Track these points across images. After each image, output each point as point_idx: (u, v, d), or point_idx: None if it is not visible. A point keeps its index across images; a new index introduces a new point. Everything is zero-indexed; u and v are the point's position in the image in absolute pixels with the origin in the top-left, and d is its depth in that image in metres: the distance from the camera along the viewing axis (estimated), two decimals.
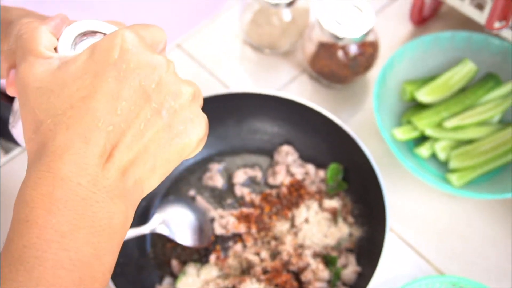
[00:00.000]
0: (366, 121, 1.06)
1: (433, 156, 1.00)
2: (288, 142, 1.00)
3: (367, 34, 0.99)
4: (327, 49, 1.03)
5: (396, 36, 1.16)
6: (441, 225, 0.96)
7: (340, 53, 1.02)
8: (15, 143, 0.88)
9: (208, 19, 1.20)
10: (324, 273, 0.85)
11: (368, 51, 1.03)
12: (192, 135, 0.48)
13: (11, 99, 1.58)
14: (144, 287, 0.87)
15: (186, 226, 0.89)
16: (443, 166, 1.00)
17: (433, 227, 0.95)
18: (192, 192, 0.96)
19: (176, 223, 0.88)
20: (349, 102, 1.09)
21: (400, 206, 0.96)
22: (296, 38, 1.11)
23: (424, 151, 0.99)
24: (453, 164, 0.97)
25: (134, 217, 0.93)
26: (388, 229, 0.83)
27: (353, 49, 1.02)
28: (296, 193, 0.94)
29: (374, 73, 1.10)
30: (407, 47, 1.01)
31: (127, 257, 0.88)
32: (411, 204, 0.98)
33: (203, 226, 0.91)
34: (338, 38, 0.99)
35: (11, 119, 0.67)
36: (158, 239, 0.92)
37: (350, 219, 0.92)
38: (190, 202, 0.94)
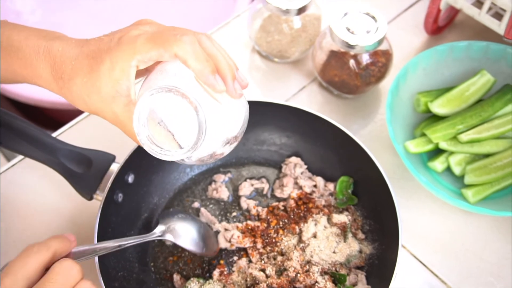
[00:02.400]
0: (377, 133, 1.02)
1: (448, 170, 0.96)
2: (296, 154, 0.96)
3: (380, 42, 0.96)
4: (338, 58, 1.00)
5: (409, 46, 1.12)
6: (456, 242, 0.91)
7: (351, 62, 0.98)
8: (16, 151, 0.86)
9: (215, 27, 1.17)
10: None
11: (380, 61, 1.00)
12: None
13: (13, 106, 1.56)
14: None
15: (190, 235, 0.85)
16: (458, 181, 0.96)
17: (447, 244, 0.91)
18: (196, 204, 0.93)
19: (180, 232, 0.84)
20: (360, 113, 1.05)
21: (413, 222, 0.92)
22: (306, 47, 1.07)
23: (438, 164, 0.95)
24: (468, 179, 0.93)
25: (136, 228, 0.89)
26: (400, 247, 0.79)
27: (365, 59, 0.98)
28: (304, 207, 0.90)
29: (386, 84, 1.07)
30: (421, 57, 0.98)
31: (127, 271, 0.85)
32: (424, 220, 0.93)
33: (206, 236, 0.87)
34: (350, 46, 0.95)
35: None
36: (160, 253, 0.89)
37: (360, 235, 0.88)
38: (191, 214, 0.90)
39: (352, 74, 0.99)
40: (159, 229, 0.83)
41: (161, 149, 0.61)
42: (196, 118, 0.57)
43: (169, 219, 0.86)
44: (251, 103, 0.92)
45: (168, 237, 0.83)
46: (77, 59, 0.62)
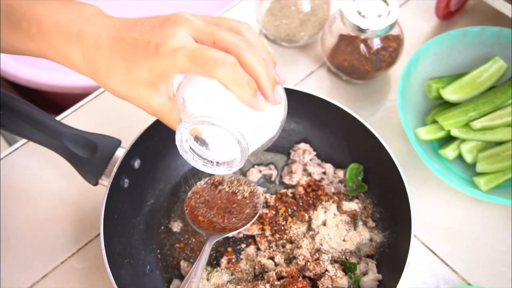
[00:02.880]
0: (386, 120, 1.00)
1: (459, 158, 0.95)
2: (305, 140, 0.94)
3: (391, 27, 0.93)
4: (348, 42, 0.97)
5: (419, 31, 1.10)
6: (467, 231, 0.90)
7: (362, 47, 0.96)
8: (19, 134, 0.84)
9: (222, 10, 1.14)
10: (343, 281, 0.80)
11: (391, 46, 0.97)
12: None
13: (13, 89, 1.53)
14: None
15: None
16: (470, 169, 0.94)
17: (458, 233, 0.90)
18: None
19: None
20: (369, 99, 1.03)
21: (423, 210, 0.91)
22: (315, 31, 1.05)
23: (449, 152, 0.93)
24: (480, 167, 0.91)
25: (142, 215, 0.87)
26: (413, 236, 0.78)
27: (376, 43, 0.96)
28: (313, 194, 0.89)
29: (396, 70, 1.05)
30: (433, 42, 0.95)
31: (133, 258, 0.83)
32: (435, 208, 0.92)
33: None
34: (361, 30, 0.93)
35: None
36: (166, 240, 0.87)
37: (371, 223, 0.87)
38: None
39: (362, 59, 0.97)
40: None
41: (203, 162, 0.64)
42: (238, 147, 0.59)
43: None
44: None
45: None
46: (111, 58, 0.61)
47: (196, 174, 0.93)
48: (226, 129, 0.58)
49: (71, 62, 0.64)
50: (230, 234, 0.80)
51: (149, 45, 0.59)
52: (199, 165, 0.64)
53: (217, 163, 0.64)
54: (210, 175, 0.85)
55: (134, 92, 0.62)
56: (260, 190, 0.86)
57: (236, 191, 0.83)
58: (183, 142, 0.62)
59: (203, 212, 0.81)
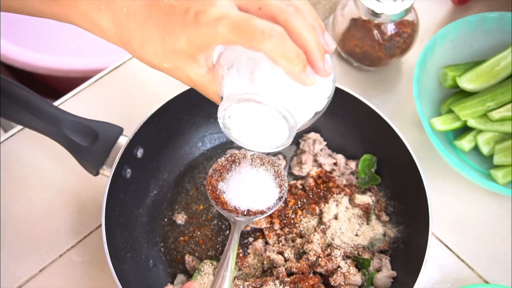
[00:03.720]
0: (399, 109, 0.96)
1: (475, 150, 0.91)
2: (315, 129, 0.90)
3: (407, 12, 0.89)
4: (360, 27, 0.93)
5: (434, 17, 1.06)
6: (484, 226, 0.86)
7: (375, 32, 0.92)
8: (15, 120, 0.79)
9: None
10: (356, 277, 0.76)
11: (406, 32, 0.93)
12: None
13: (9, 72, 1.49)
14: (154, 285, 0.78)
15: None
16: (486, 161, 0.90)
17: (475, 228, 0.86)
18: None
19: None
20: (381, 87, 0.99)
21: (438, 204, 0.87)
22: (326, 15, 1.01)
23: (465, 143, 0.89)
24: (498, 159, 0.88)
25: (145, 206, 0.83)
26: (431, 231, 0.74)
27: (390, 29, 0.92)
28: (324, 186, 0.85)
29: (408, 57, 1.00)
30: (450, 28, 0.91)
31: (136, 252, 0.79)
32: (450, 202, 0.88)
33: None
34: (375, 15, 0.88)
35: None
36: (170, 233, 0.83)
37: (384, 217, 0.83)
38: None
39: (375, 45, 0.93)
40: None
41: (247, 139, 0.60)
42: (286, 125, 0.55)
43: None
44: None
45: None
46: (145, 27, 0.55)
47: (201, 164, 0.89)
48: (274, 108, 0.54)
49: (101, 31, 0.58)
50: (256, 219, 0.75)
51: (188, 13, 0.53)
52: (242, 142, 0.60)
53: (262, 140, 0.59)
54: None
55: (170, 63, 0.57)
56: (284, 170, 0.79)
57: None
58: (226, 119, 0.58)
59: None
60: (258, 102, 0.54)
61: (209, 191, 0.74)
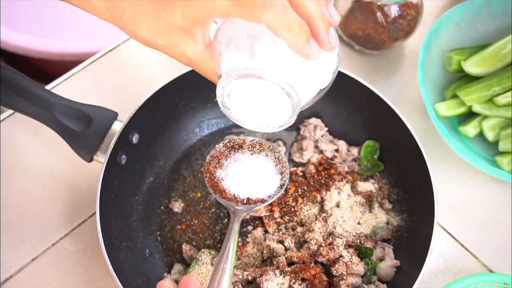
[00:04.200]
0: (402, 94, 0.94)
1: (479, 136, 0.89)
2: (316, 114, 0.88)
3: None
4: (363, 9, 0.90)
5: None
6: (488, 214, 0.84)
7: (378, 15, 0.89)
8: (5, 104, 0.76)
9: None
10: (359, 267, 0.74)
11: (410, 14, 0.90)
12: None
13: (4, 57, 1.45)
14: (150, 275, 0.76)
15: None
16: (491, 148, 0.88)
17: (479, 216, 0.84)
18: None
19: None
20: (383, 71, 0.96)
21: (441, 191, 0.84)
22: None
23: (470, 129, 0.87)
24: (503, 145, 0.85)
25: (141, 193, 0.81)
26: (436, 219, 0.72)
27: (394, 11, 0.89)
28: (325, 173, 0.82)
29: (411, 41, 0.98)
30: (454, 11, 0.88)
31: (131, 241, 0.77)
32: (454, 189, 0.86)
33: None
34: None
35: None
36: (167, 221, 0.81)
37: (387, 205, 0.81)
38: None
39: (378, 27, 0.90)
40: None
41: (247, 119, 0.57)
42: (289, 102, 0.53)
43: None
44: None
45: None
46: (137, 1, 0.53)
47: (199, 150, 0.86)
48: (276, 83, 0.51)
49: (91, 6, 0.56)
50: (256, 208, 0.71)
51: None
52: (243, 123, 0.57)
53: (264, 120, 0.56)
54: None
55: (165, 39, 0.54)
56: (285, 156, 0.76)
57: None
58: (225, 97, 0.55)
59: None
60: (259, 77, 0.51)
61: (206, 178, 0.71)
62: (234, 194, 0.70)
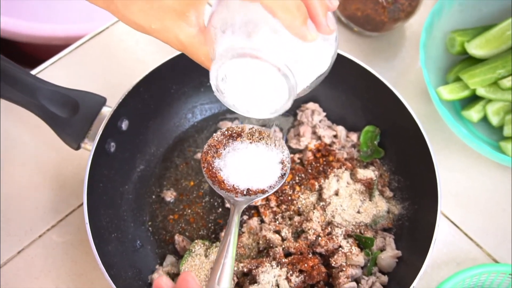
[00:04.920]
0: (403, 77, 0.91)
1: (483, 120, 0.86)
2: (314, 99, 0.84)
3: None
4: None
5: None
6: (492, 202, 0.81)
7: None
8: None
9: None
10: (359, 258, 0.71)
11: None
12: None
13: (8, 52, 1.40)
14: (141, 268, 0.73)
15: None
16: (495, 133, 0.85)
17: (483, 203, 0.81)
18: (199, 155, 0.81)
19: None
20: (383, 54, 0.93)
21: (444, 178, 0.81)
22: None
23: (474, 114, 0.84)
24: (508, 130, 0.82)
25: (131, 182, 0.78)
26: (440, 208, 0.69)
27: None
28: (323, 160, 0.79)
29: (412, 22, 0.94)
30: None
31: (121, 232, 0.74)
32: (457, 176, 0.83)
33: None
34: None
35: None
36: (158, 211, 0.78)
37: (388, 193, 0.78)
38: None
39: (378, 8, 0.87)
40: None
41: (242, 104, 0.55)
42: (286, 84, 0.51)
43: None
44: None
45: None
46: None
47: (191, 137, 0.83)
48: (272, 64, 0.49)
49: None
50: (257, 199, 0.68)
51: None
52: (237, 108, 0.55)
53: (259, 105, 0.54)
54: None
55: (158, 23, 0.53)
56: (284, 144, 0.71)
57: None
58: (219, 81, 0.52)
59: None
60: (255, 57, 0.49)
61: (204, 169, 0.68)
62: (234, 185, 0.66)
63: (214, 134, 0.69)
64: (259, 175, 0.67)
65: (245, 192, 0.66)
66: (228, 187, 0.66)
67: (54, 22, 1.25)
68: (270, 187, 0.67)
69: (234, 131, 0.69)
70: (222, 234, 0.75)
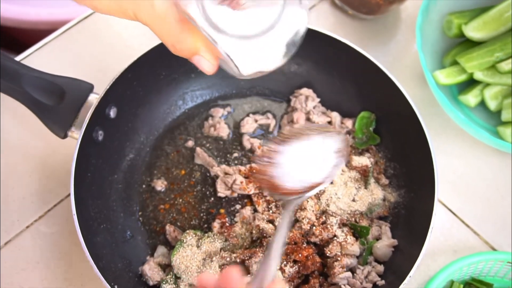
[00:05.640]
0: (398, 61, 0.89)
1: (481, 105, 0.84)
2: (308, 84, 0.82)
3: None
4: None
5: None
6: (490, 189, 0.80)
7: None
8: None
9: None
10: (354, 247, 0.70)
11: None
12: None
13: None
14: (132, 259, 0.71)
15: None
16: (493, 117, 0.84)
17: (480, 190, 0.80)
18: (190, 143, 0.79)
19: None
20: (379, 37, 0.90)
21: (441, 165, 0.79)
22: None
23: (471, 98, 0.82)
24: (506, 115, 0.81)
25: (121, 171, 0.76)
26: (437, 195, 0.67)
27: None
28: None
29: (409, 4, 0.92)
30: None
31: (110, 222, 0.72)
32: (454, 162, 0.81)
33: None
34: None
35: None
36: (149, 200, 0.76)
37: (384, 180, 0.76)
38: None
39: None
40: None
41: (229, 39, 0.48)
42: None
43: None
44: None
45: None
46: None
47: (182, 124, 0.81)
48: None
49: None
50: (312, 194, 0.64)
51: None
52: (225, 46, 0.48)
53: (253, 36, 0.48)
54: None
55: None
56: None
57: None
58: (203, 8, 0.47)
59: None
60: None
61: (261, 181, 0.63)
62: (291, 188, 0.62)
63: (264, 145, 0.68)
64: (313, 170, 0.63)
65: (301, 190, 0.62)
66: (286, 191, 0.62)
67: (39, 5, 1.22)
68: (326, 178, 0.63)
69: (285, 136, 0.64)
70: (215, 223, 0.73)
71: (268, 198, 0.74)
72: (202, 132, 0.80)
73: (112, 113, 0.74)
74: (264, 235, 0.71)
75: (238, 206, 0.75)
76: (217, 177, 0.76)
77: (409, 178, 0.75)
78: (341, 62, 0.79)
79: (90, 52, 0.87)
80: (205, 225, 0.74)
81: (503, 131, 0.80)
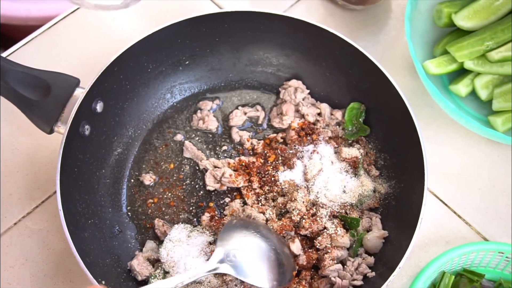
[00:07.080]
0: (388, 52, 0.88)
1: (472, 95, 0.83)
2: (297, 76, 0.82)
3: None
4: None
5: None
6: (482, 178, 0.79)
7: None
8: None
9: None
10: (344, 239, 0.69)
11: None
12: None
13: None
14: (120, 254, 0.71)
15: (258, 261, 0.66)
16: (484, 107, 0.83)
17: (471, 179, 0.79)
18: (179, 136, 0.79)
19: (244, 258, 0.66)
20: (368, 28, 0.90)
21: (432, 155, 0.79)
22: None
23: (462, 88, 0.81)
24: (497, 104, 0.80)
25: (108, 166, 0.75)
26: (426, 186, 0.67)
27: None
28: (307, 139, 0.77)
29: None
30: None
31: (98, 218, 0.71)
32: (445, 152, 0.81)
33: (282, 258, 0.68)
34: None
35: None
36: (137, 195, 0.75)
37: (374, 172, 0.75)
38: (260, 226, 0.70)
39: None
40: (217, 256, 0.64)
41: None
42: None
43: (229, 238, 0.66)
44: (241, 14, 0.76)
45: (227, 270, 0.64)
46: None
47: (171, 118, 0.80)
48: None
49: None
50: None
51: None
52: None
53: None
54: None
55: None
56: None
57: None
58: None
59: None
60: None
61: None
62: None
63: None
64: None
65: None
66: None
67: (29, 1, 1.21)
68: None
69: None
70: (204, 217, 0.72)
71: (257, 190, 0.74)
72: (191, 126, 0.80)
73: (99, 107, 0.73)
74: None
75: (227, 199, 0.75)
76: (206, 170, 0.76)
77: (399, 168, 0.74)
78: (330, 53, 0.78)
79: (78, 46, 0.86)
80: (195, 219, 0.74)
81: (494, 120, 0.79)
